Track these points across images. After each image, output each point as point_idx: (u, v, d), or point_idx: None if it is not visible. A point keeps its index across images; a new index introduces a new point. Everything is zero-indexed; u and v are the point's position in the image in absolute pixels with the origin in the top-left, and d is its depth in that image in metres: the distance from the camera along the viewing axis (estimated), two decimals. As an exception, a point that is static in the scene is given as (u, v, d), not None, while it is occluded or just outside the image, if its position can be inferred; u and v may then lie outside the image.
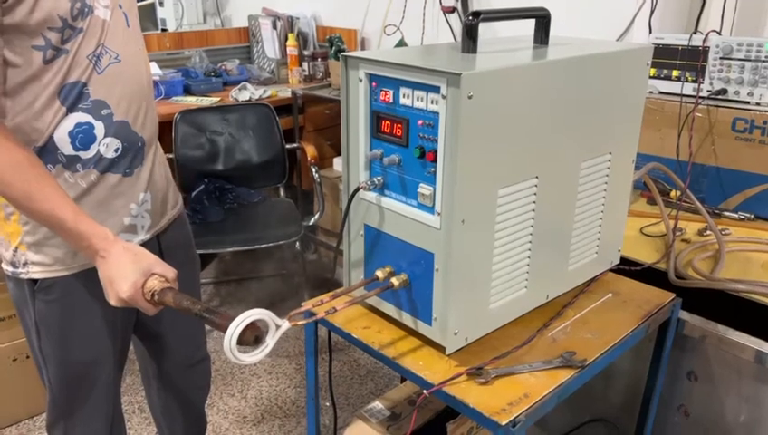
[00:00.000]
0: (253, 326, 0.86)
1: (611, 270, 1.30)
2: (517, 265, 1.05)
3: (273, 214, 2.65)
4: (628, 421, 1.43)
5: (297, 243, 2.51)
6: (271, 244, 2.43)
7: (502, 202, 0.97)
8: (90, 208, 1.13)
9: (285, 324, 0.90)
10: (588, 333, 1.09)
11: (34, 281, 1.16)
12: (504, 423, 0.87)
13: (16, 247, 1.14)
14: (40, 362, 1.25)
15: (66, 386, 1.26)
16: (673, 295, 1.22)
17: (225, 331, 0.85)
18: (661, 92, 1.75)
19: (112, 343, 1.26)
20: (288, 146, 2.77)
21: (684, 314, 1.27)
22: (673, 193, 1.68)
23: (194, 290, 1.46)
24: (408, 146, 0.96)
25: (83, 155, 1.10)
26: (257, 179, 2.75)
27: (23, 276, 1.15)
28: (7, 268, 1.17)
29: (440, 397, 0.95)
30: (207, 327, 1.30)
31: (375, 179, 1.02)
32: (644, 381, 1.33)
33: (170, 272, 1.02)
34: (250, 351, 0.87)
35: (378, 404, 1.32)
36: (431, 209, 0.95)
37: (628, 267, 1.33)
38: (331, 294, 1.05)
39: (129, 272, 0.98)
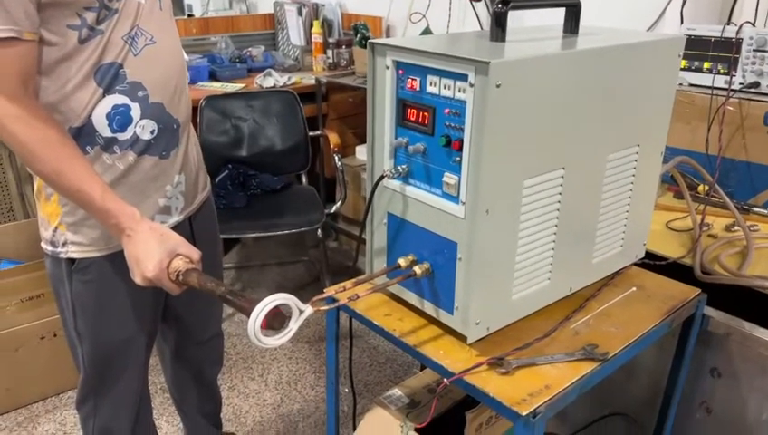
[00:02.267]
0: (276, 310, 0.87)
1: (636, 264, 1.29)
2: (541, 257, 1.04)
3: (295, 201, 2.66)
4: (649, 417, 1.42)
5: (319, 230, 2.52)
6: (293, 230, 2.45)
7: (527, 193, 0.97)
8: (127, 191, 1.15)
9: (308, 310, 0.90)
10: (611, 327, 1.08)
11: (72, 261, 1.18)
12: (524, 414, 0.87)
13: (56, 227, 1.17)
14: (75, 341, 1.27)
15: (99, 364, 1.29)
16: (698, 291, 1.21)
17: (249, 314, 0.86)
18: (692, 85, 1.72)
19: (144, 324, 1.29)
20: (311, 133, 2.78)
21: (709, 311, 1.25)
22: (701, 187, 1.65)
23: (217, 271, 1.48)
24: (433, 134, 0.96)
25: (120, 137, 1.12)
26: (280, 166, 2.76)
27: (61, 256, 1.18)
28: (46, 247, 1.20)
29: (461, 386, 0.95)
30: (225, 307, 1.32)
31: (400, 168, 1.02)
32: (666, 377, 1.31)
33: (195, 253, 1.04)
34: (273, 334, 0.88)
35: (397, 391, 1.32)
36: (455, 199, 0.95)
37: (653, 261, 1.31)
38: (353, 280, 1.06)
39: (155, 251, 1.00)
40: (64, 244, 1.17)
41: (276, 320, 0.87)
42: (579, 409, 1.55)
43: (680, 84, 1.72)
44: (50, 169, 1.00)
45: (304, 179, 2.87)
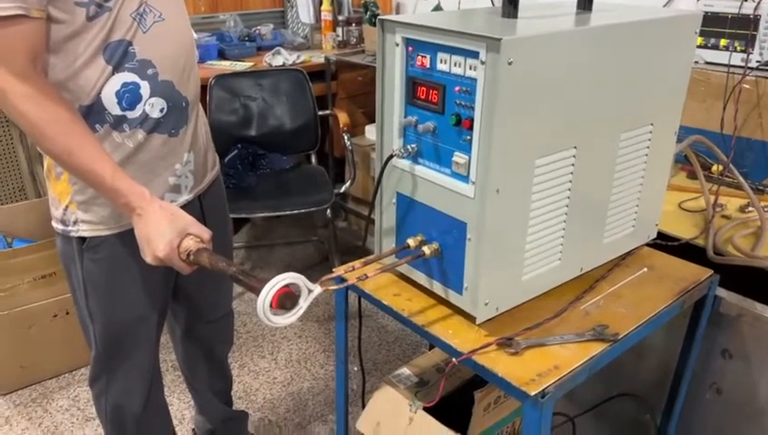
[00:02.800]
0: (286, 290, 0.87)
1: (648, 244, 1.27)
2: (551, 238, 1.03)
3: (304, 181, 2.66)
4: (658, 397, 1.42)
5: (328, 210, 2.52)
6: (302, 210, 2.44)
7: (538, 172, 0.96)
8: (137, 169, 1.15)
9: (317, 289, 0.90)
10: (621, 308, 1.07)
11: (83, 239, 1.19)
12: (532, 394, 0.87)
13: (66, 206, 1.17)
14: (86, 319, 1.28)
15: (110, 343, 1.30)
16: (710, 272, 1.19)
17: (258, 293, 0.86)
18: (708, 62, 1.69)
19: (154, 302, 1.30)
20: (320, 113, 2.76)
21: (721, 292, 1.24)
22: (715, 168, 1.63)
23: (227, 250, 1.48)
24: (443, 113, 0.95)
25: (130, 115, 1.11)
26: (289, 146, 2.76)
27: (72, 235, 1.18)
28: (57, 226, 1.20)
29: (469, 365, 0.95)
30: (235, 286, 1.33)
31: (409, 147, 1.01)
32: (676, 358, 1.31)
33: (205, 233, 1.04)
34: (283, 314, 0.88)
35: (405, 370, 1.33)
36: (465, 178, 0.94)
37: (665, 242, 1.30)
38: (362, 260, 1.05)
39: (166, 231, 1.00)
40: (75, 222, 1.17)
41: (286, 299, 0.87)
42: (588, 389, 1.56)
43: (696, 62, 1.69)
44: (60, 148, 1.00)
45: (314, 159, 2.86)
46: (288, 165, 2.72)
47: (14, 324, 1.99)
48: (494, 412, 1.19)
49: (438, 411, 1.17)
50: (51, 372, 2.12)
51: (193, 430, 1.73)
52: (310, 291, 0.90)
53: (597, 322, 1.03)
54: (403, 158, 1.02)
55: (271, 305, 0.86)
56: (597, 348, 0.97)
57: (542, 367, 0.92)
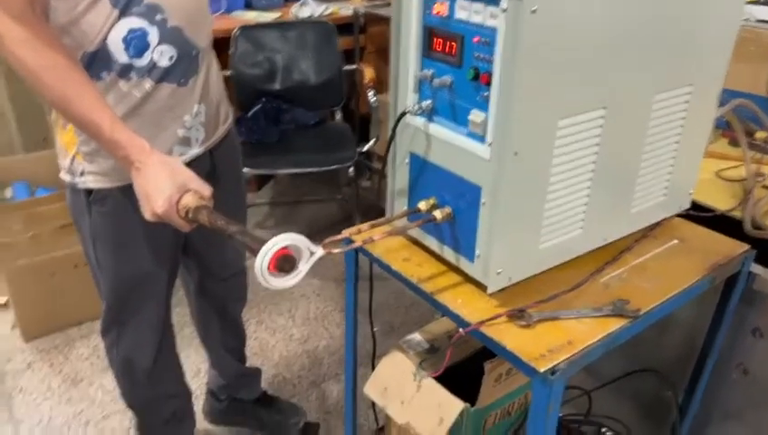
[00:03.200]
0: (286, 252, 0.82)
1: (680, 215, 1.19)
2: (573, 205, 0.97)
3: (328, 138, 2.61)
4: (681, 374, 1.35)
5: (350, 169, 2.47)
6: (323, 168, 2.40)
7: (562, 134, 0.89)
8: (144, 120, 1.11)
9: (319, 252, 0.86)
10: (645, 282, 1.01)
11: (90, 191, 1.16)
12: (542, 370, 0.82)
13: (73, 157, 1.15)
14: (96, 271, 1.28)
15: (119, 296, 1.29)
16: (746, 246, 1.11)
17: (256, 254, 0.82)
18: (759, 21, 1.56)
19: (163, 259, 1.28)
20: (346, 67, 2.69)
21: (756, 268, 1.16)
22: (759, 134, 1.52)
23: (240, 207, 1.45)
24: (461, 66, 0.88)
25: (137, 63, 1.07)
26: (314, 101, 2.69)
27: (79, 186, 1.16)
28: (65, 177, 1.18)
29: (477, 337, 0.90)
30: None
31: (423, 103, 0.94)
32: (703, 334, 1.24)
33: (206, 189, 1.00)
34: (282, 276, 0.84)
35: (417, 336, 1.29)
36: (482, 139, 0.87)
37: (698, 213, 1.22)
38: (372, 222, 1.00)
39: (165, 186, 0.96)
40: (81, 174, 1.15)
41: (285, 262, 0.83)
42: (606, 362, 1.50)
43: (745, 20, 1.56)
44: (57, 96, 0.96)
45: (338, 116, 2.80)
46: (312, 121, 2.67)
47: (37, 272, 2.01)
48: (505, 383, 1.15)
49: (449, 380, 1.13)
50: (73, 321, 2.15)
51: (207, 383, 1.74)
52: (312, 253, 0.86)
53: (617, 296, 0.96)
54: (417, 115, 0.95)
55: (269, 267, 0.82)
56: (615, 324, 0.91)
57: (555, 342, 0.86)
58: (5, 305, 2.15)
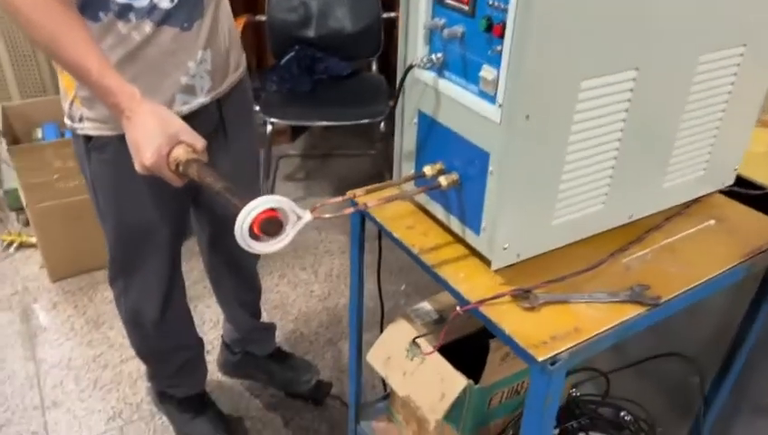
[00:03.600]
0: (270, 214, 0.76)
1: (721, 192, 1.08)
2: (595, 178, 0.87)
3: (362, 90, 2.52)
4: (710, 361, 1.26)
5: (382, 123, 2.38)
6: (354, 121, 2.32)
7: (584, 97, 0.78)
8: (144, 66, 1.06)
9: (306, 216, 0.80)
10: (671, 266, 0.91)
11: (89, 138, 1.13)
12: (540, 359, 0.74)
13: (72, 101, 1.11)
14: (100, 219, 1.26)
15: (123, 246, 1.27)
16: (796, 231, 1.00)
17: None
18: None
19: (167, 211, 1.24)
20: (385, 15, 2.56)
21: (804, 255, 1.04)
22: (825, 105, 1.36)
23: (250, 162, 1.39)
24: (473, 15, 0.78)
25: (136, 3, 1.01)
26: (349, 50, 2.59)
27: (78, 132, 1.13)
28: (67, 121, 1.15)
29: (476, 316, 0.83)
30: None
31: (434, 56, 0.85)
32: (738, 321, 1.14)
33: (199, 141, 0.94)
34: (267, 240, 0.78)
35: (426, 305, 1.23)
36: (492, 99, 0.78)
37: (743, 190, 1.09)
38: (375, 186, 0.93)
39: (155, 137, 0.91)
40: (80, 119, 1.11)
41: (271, 225, 0.77)
42: (628, 343, 1.41)
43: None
44: (45, 37, 0.91)
45: (374, 67, 2.69)
46: (346, 71, 2.58)
47: (63, 214, 2.02)
48: (513, 362, 1.08)
49: (454, 354, 1.07)
50: (99, 264, 2.16)
51: (222, 335, 1.73)
52: (299, 217, 0.80)
53: (637, 280, 0.87)
54: (427, 69, 0.87)
55: (252, 229, 0.76)
56: (630, 312, 0.82)
57: (560, 328, 0.79)
58: (36, 245, 2.18)
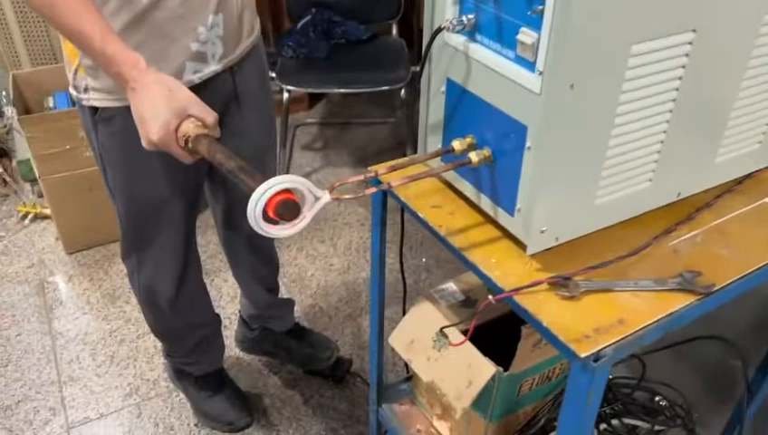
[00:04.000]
0: (288, 195, 0.70)
1: (777, 166, 0.99)
2: (644, 152, 0.79)
3: (381, 55, 2.42)
4: (755, 347, 1.18)
5: (402, 90, 2.28)
6: (373, 88, 2.23)
7: (635, 63, 0.70)
8: (151, 31, 0.99)
9: (325, 197, 0.73)
10: (723, 248, 0.83)
11: (95, 109, 1.06)
12: (583, 355, 0.67)
13: (76, 70, 1.05)
14: (109, 193, 1.20)
15: (134, 222, 1.22)
16: None
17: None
18: None
19: (178, 186, 1.18)
20: (405, -24, 2.45)
21: None
22: None
23: (267, 135, 1.32)
24: (511, -28, 0.69)
25: None
26: (368, 13, 2.49)
27: (84, 103, 1.07)
28: (72, 92, 1.09)
29: (511, 304, 0.76)
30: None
31: (465, 18, 0.76)
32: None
33: (209, 115, 0.87)
34: (282, 223, 0.71)
35: (451, 286, 1.16)
36: (531, 66, 0.70)
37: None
38: (398, 162, 0.86)
39: (162, 110, 0.84)
40: (86, 89, 1.04)
41: (284, 209, 0.70)
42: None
43: None
44: (40, 1, 0.84)
45: (394, 30, 2.58)
46: (365, 36, 2.48)
47: (75, 186, 1.98)
48: (546, 348, 1.02)
49: (483, 335, 1.01)
50: (114, 236, 2.12)
51: (239, 311, 1.69)
52: (317, 198, 0.73)
53: (687, 265, 0.79)
54: (457, 32, 0.78)
55: (266, 212, 0.70)
56: (680, 301, 0.75)
57: (603, 320, 0.72)
58: (50, 217, 2.15)
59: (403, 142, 2.63)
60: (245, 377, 1.68)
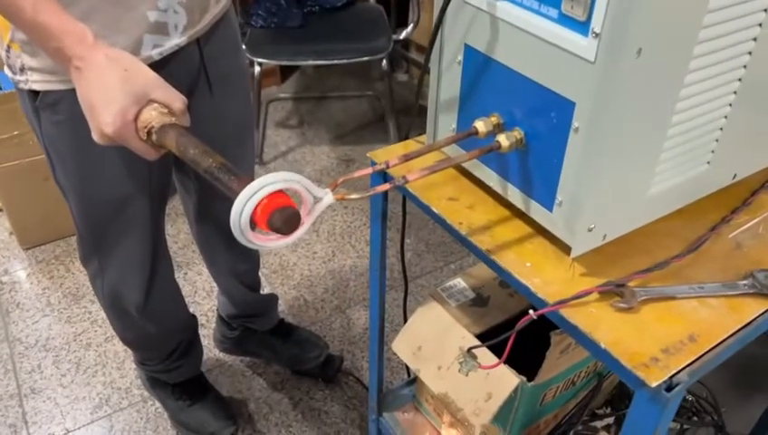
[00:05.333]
0: (280, 201, 0.55)
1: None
2: (707, 129, 0.66)
3: (359, 22, 2.24)
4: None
5: (384, 60, 2.12)
6: (352, 59, 2.06)
7: (710, 21, 0.56)
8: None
9: (327, 198, 0.59)
10: (791, 239, 0.71)
11: (35, 94, 0.89)
12: (653, 384, 0.55)
13: (9, 46, 0.87)
14: (60, 190, 1.04)
15: (92, 224, 1.06)
16: None
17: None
18: None
19: (144, 177, 1.02)
20: (382, -64, 2.27)
21: None
22: None
23: (242, 118, 1.15)
24: None
25: None
26: (343, -22, 2.31)
27: (21, 86, 0.89)
28: (6, 72, 0.91)
29: (555, 320, 0.63)
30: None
31: (490, -30, 0.62)
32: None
33: (176, 99, 0.71)
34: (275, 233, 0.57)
35: (459, 282, 1.03)
36: (583, 26, 0.56)
37: None
38: (411, 151, 0.71)
39: (116, 94, 0.68)
40: (22, 69, 0.87)
41: (280, 219, 0.55)
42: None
43: None
44: None
45: (372, -4, 2.41)
46: (341, 2, 2.30)
47: (27, 175, 1.79)
48: (573, 353, 0.90)
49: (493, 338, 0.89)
50: (74, 229, 1.95)
51: (217, 309, 1.54)
52: (316, 200, 0.58)
53: (756, 262, 0.67)
54: (479, -11, 0.63)
55: (256, 222, 0.55)
56: (756, 308, 0.63)
57: (670, 337, 0.59)
58: (2, 210, 1.95)
59: (385, 116, 2.47)
60: (227, 380, 1.54)
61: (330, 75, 2.83)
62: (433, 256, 1.89)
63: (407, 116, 2.49)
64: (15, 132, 1.72)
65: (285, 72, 2.81)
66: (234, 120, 1.11)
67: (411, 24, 2.27)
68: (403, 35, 2.27)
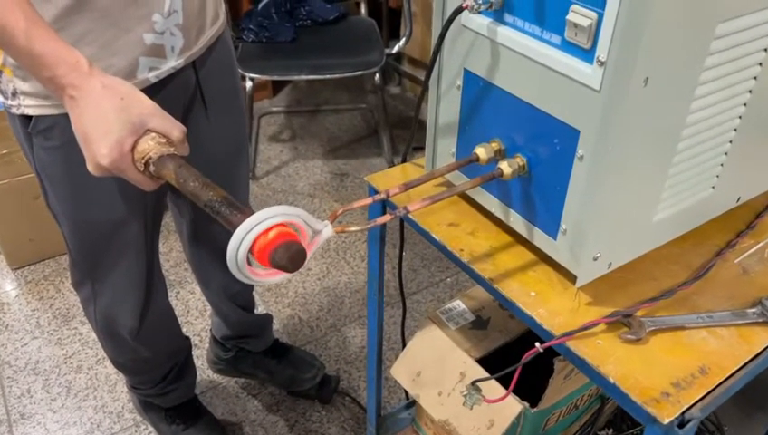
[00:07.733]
0: (284, 236, 0.53)
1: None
2: (712, 153, 0.65)
3: (351, 36, 2.23)
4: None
5: (377, 74, 2.11)
6: (345, 73, 2.05)
7: (717, 48, 0.55)
8: (96, 20, 0.80)
9: (327, 230, 0.57)
10: (798, 263, 0.70)
11: (28, 118, 0.87)
12: (665, 421, 0.53)
13: (0, 70, 0.84)
14: (53, 215, 1.01)
15: (85, 249, 1.03)
16: None
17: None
18: None
19: (138, 201, 0.99)
20: (374, -50, 2.26)
21: None
22: None
23: (238, 141, 1.14)
24: (558, -68, 0.54)
25: None
26: (335, -8, 2.30)
27: (14, 111, 0.87)
28: (-1, 97, 0.88)
29: (562, 352, 0.62)
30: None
31: (491, -6, 0.61)
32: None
33: (175, 129, 0.68)
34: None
35: (459, 304, 1.02)
36: (588, 54, 0.54)
37: None
38: (402, 169, 0.69)
39: (112, 124, 0.65)
40: (14, 94, 0.84)
41: (287, 254, 0.52)
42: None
43: None
44: None
45: (363, 9, 2.40)
46: (332, 15, 2.29)
47: (17, 194, 1.76)
48: (575, 379, 0.88)
49: (499, 361, 0.87)
50: (65, 248, 1.92)
51: (210, 330, 1.51)
52: (315, 232, 0.57)
53: (763, 288, 0.66)
54: (479, 12, 0.62)
55: (256, 257, 0.53)
56: (767, 337, 0.61)
57: (680, 369, 0.58)
58: (-9, 229, 1.92)
59: (378, 130, 2.46)
60: (222, 403, 1.51)
61: (322, 88, 2.82)
62: (428, 270, 1.88)
63: (400, 129, 2.48)
64: (4, 151, 1.70)
65: (277, 86, 2.79)
66: (229, 140, 1.10)
67: (404, 38, 2.26)
68: (395, 49, 2.26)
